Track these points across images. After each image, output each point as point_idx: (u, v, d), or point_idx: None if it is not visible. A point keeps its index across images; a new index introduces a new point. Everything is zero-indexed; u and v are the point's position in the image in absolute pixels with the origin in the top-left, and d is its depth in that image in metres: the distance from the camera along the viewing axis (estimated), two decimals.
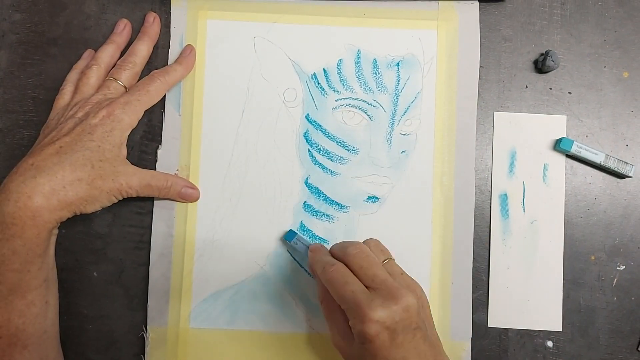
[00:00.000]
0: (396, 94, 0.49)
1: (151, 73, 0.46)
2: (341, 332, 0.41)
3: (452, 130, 0.48)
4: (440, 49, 0.49)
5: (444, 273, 0.47)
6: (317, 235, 0.48)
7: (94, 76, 0.46)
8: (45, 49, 0.49)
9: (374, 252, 0.41)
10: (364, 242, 0.42)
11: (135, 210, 0.48)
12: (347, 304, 0.38)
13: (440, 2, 0.49)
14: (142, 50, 0.47)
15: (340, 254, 0.41)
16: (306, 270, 0.47)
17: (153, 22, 0.48)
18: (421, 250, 0.48)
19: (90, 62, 0.47)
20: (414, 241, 0.48)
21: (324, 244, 0.47)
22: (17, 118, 0.48)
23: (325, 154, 0.48)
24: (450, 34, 0.49)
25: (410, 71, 0.49)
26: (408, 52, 0.49)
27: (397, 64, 0.49)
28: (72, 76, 0.47)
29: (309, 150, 0.48)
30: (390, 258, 0.42)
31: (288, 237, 0.47)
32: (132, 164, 0.47)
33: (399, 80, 0.49)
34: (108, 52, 0.47)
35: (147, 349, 0.46)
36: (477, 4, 0.49)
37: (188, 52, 0.48)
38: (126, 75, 0.46)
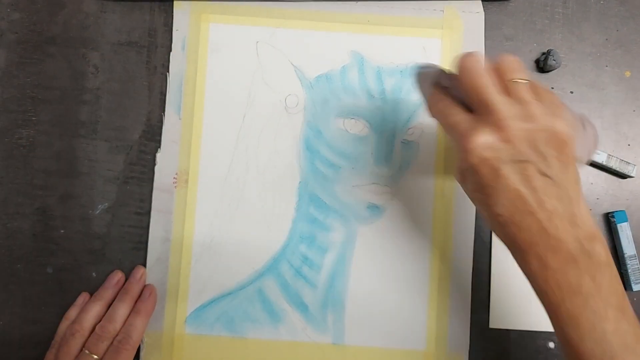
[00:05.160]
0: (399, 103, 0.48)
1: (114, 342, 0.43)
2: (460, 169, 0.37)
3: None
4: (444, 59, 0.49)
5: (442, 284, 0.47)
6: (316, 243, 0.47)
7: (75, 346, 0.43)
8: (44, 48, 0.49)
9: (504, 68, 0.35)
10: (498, 58, 0.36)
11: (134, 211, 0.48)
12: (453, 135, 0.35)
13: (445, 11, 0.49)
14: (123, 315, 0.44)
15: (456, 64, 0.36)
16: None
17: (139, 280, 0.46)
18: (420, 261, 0.47)
19: (74, 327, 0.44)
20: (414, 251, 0.47)
21: (321, 250, 0.47)
22: (16, 118, 0.48)
23: (326, 162, 0.48)
24: (455, 43, 0.49)
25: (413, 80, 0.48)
26: (412, 61, 0.49)
27: (401, 72, 0.48)
28: (62, 328, 0.45)
29: (309, 157, 0.48)
30: (523, 80, 0.34)
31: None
32: (130, 163, 0.48)
33: (401, 89, 0.48)
34: (94, 313, 0.45)
35: (141, 354, 0.46)
36: (482, 14, 0.49)
37: (147, 294, 0.46)
38: (103, 346, 0.43)
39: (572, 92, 0.49)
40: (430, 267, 0.47)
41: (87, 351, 0.43)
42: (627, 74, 0.50)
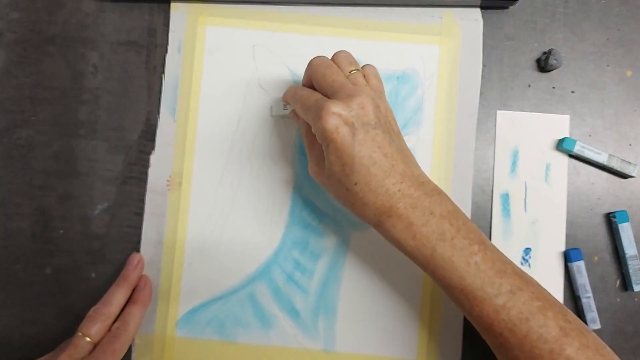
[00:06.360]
0: (395, 109, 0.48)
1: (112, 329, 0.43)
2: (316, 159, 0.41)
3: (450, 148, 0.48)
4: (442, 65, 0.48)
5: (435, 292, 0.47)
6: (309, 249, 0.47)
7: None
8: (42, 48, 0.49)
9: (341, 62, 0.42)
10: (333, 54, 0.43)
11: (134, 211, 0.47)
12: (310, 113, 0.39)
13: (443, 18, 0.49)
14: (118, 299, 0.45)
15: (307, 69, 0.42)
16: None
17: (136, 266, 0.46)
18: (413, 268, 0.46)
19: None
20: (407, 259, 0.46)
21: (314, 255, 0.47)
22: (15, 117, 0.48)
23: None
24: (452, 50, 0.49)
25: (410, 86, 0.48)
26: (409, 67, 0.48)
27: (397, 79, 0.48)
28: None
29: (303, 162, 0.47)
30: (357, 70, 0.42)
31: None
32: (130, 163, 0.47)
33: (397, 95, 0.48)
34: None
35: (133, 355, 0.46)
36: (480, 22, 0.49)
37: (143, 285, 0.46)
38: (95, 328, 0.43)
39: (573, 92, 0.49)
40: (423, 274, 0.47)
41: (79, 333, 0.42)
42: (629, 73, 0.49)
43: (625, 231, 0.47)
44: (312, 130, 0.39)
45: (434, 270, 0.38)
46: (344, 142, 0.37)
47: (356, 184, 0.37)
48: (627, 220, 0.47)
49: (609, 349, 0.37)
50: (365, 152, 0.37)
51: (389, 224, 0.38)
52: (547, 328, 0.36)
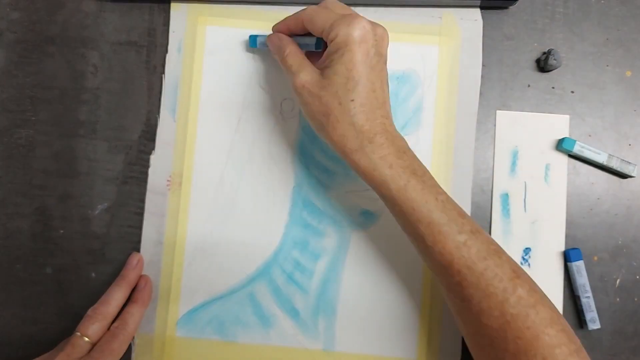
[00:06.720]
0: (395, 109, 0.48)
1: (111, 328, 0.43)
2: (309, 70, 0.40)
3: (449, 148, 0.48)
4: (442, 66, 0.48)
5: (435, 292, 0.47)
6: (309, 249, 0.47)
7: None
8: (43, 48, 0.49)
9: (333, 6, 0.42)
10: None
11: (134, 211, 0.47)
12: (331, 18, 0.39)
13: (443, 18, 0.49)
14: (117, 299, 0.44)
15: (297, 14, 0.42)
16: None
17: (136, 266, 0.46)
18: (413, 268, 0.47)
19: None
20: (407, 259, 0.47)
21: (314, 255, 0.47)
22: (15, 117, 0.48)
23: (320, 167, 0.47)
24: (452, 50, 0.49)
25: (410, 86, 0.48)
26: (408, 67, 0.48)
27: (397, 79, 0.48)
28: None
29: (303, 162, 0.47)
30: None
31: (252, 44, 0.47)
32: (130, 163, 0.47)
33: (397, 96, 0.48)
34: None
35: (133, 355, 0.46)
36: (480, 22, 0.49)
37: (143, 284, 0.46)
38: (94, 328, 0.43)
39: (572, 92, 0.49)
40: (423, 274, 0.47)
41: (78, 333, 0.42)
42: (628, 73, 0.49)
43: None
44: (329, 35, 0.39)
45: (405, 201, 0.38)
46: (361, 57, 0.38)
47: (353, 100, 0.38)
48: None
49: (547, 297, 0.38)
50: (374, 77, 0.38)
51: (369, 149, 0.38)
52: (503, 268, 0.37)
